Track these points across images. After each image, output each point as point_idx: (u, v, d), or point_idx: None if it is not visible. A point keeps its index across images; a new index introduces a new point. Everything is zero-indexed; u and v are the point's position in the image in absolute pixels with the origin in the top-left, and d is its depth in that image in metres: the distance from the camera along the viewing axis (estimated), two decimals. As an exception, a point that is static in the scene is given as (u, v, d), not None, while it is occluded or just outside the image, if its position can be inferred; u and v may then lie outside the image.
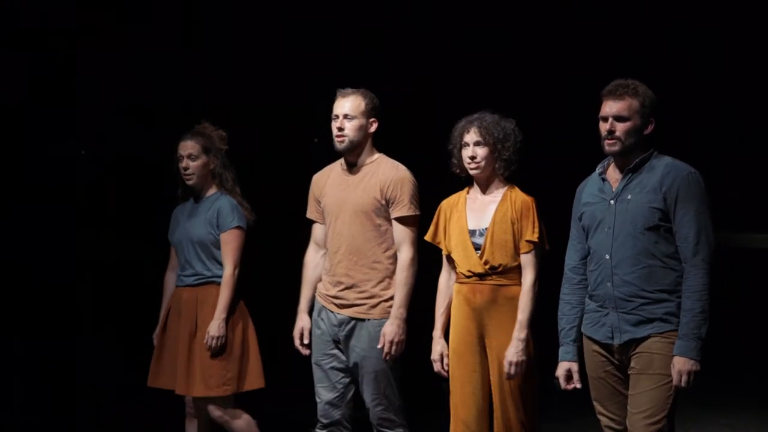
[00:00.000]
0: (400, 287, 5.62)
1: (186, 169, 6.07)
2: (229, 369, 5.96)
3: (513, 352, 5.36)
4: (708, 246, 4.87)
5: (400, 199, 5.64)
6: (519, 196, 5.47)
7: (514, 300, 5.42)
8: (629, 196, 4.95)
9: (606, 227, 4.98)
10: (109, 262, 9.11)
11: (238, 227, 6.02)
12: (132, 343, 7.41)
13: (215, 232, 6.02)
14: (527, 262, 5.42)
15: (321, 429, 5.82)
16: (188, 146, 6.08)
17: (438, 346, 5.57)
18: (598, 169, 5.11)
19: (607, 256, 4.96)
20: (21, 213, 8.51)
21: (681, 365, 4.82)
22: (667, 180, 4.90)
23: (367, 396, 5.71)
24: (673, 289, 4.90)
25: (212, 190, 6.13)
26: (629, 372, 4.98)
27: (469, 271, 5.47)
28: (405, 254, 5.64)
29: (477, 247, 5.46)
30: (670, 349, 4.86)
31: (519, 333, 5.37)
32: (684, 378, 4.82)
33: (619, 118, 4.93)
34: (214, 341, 5.92)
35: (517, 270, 5.44)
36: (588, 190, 5.12)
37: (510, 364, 5.36)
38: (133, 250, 8.86)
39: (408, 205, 5.64)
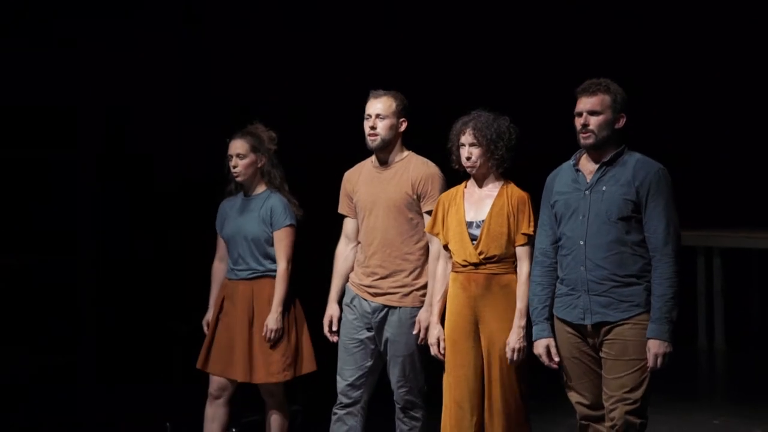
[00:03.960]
0: (432, 277, 5.96)
1: (235, 167, 6.36)
2: (288, 356, 6.31)
3: (515, 339, 5.67)
4: (676, 236, 5.29)
5: (431, 194, 5.98)
6: (515, 192, 5.80)
7: (507, 287, 5.75)
8: (604, 188, 5.32)
9: (580, 215, 5.35)
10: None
11: (291, 225, 6.33)
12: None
13: (269, 230, 6.32)
14: (523, 253, 5.74)
15: (341, 409, 6.15)
16: (237, 146, 6.38)
17: (435, 330, 5.88)
18: (572, 161, 5.47)
19: (582, 242, 5.33)
20: None
21: (656, 348, 5.22)
22: (640, 175, 5.29)
23: (393, 378, 6.06)
24: (641, 275, 5.30)
25: (261, 188, 6.41)
26: (603, 356, 5.34)
27: (464, 260, 5.78)
28: (436, 245, 5.96)
29: (473, 238, 5.78)
30: (642, 334, 5.26)
31: (519, 321, 5.68)
32: (659, 360, 5.22)
33: (592, 113, 5.33)
34: (272, 333, 6.26)
35: (510, 260, 5.77)
36: (561, 180, 5.47)
37: (513, 350, 5.66)
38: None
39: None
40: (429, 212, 5.99)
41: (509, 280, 5.76)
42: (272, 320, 6.27)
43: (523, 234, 5.75)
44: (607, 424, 5.35)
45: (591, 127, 5.33)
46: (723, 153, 11.27)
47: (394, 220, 6.02)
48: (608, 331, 5.32)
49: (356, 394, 6.12)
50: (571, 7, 10.46)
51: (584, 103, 5.36)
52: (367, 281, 6.08)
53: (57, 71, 9.01)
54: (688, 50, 11.02)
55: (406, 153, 6.11)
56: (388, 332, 6.05)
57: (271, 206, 6.35)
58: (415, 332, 5.98)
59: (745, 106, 11.27)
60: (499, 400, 5.73)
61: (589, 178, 5.39)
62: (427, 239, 6.01)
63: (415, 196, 6.01)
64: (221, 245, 6.54)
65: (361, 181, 6.15)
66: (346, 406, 6.15)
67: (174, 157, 9.21)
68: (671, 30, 10.92)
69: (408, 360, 6.03)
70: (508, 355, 5.68)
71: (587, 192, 5.36)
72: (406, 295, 6.03)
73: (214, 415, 6.53)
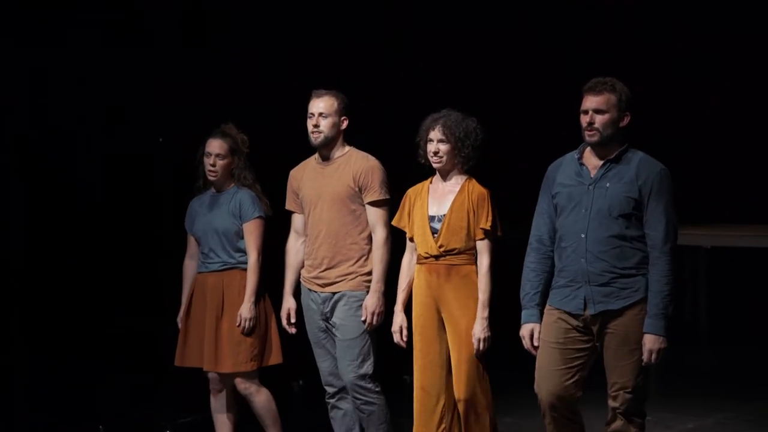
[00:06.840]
0: (377, 264, 6.25)
1: (213, 165, 6.54)
2: (256, 346, 6.49)
3: (479, 329, 5.95)
4: (675, 236, 5.49)
5: (372, 186, 6.26)
6: (476, 188, 6.06)
7: (466, 278, 6.02)
8: (607, 184, 5.48)
9: (583, 209, 5.50)
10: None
11: (259, 217, 6.53)
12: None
13: (238, 223, 6.51)
14: (482, 247, 6.02)
15: (331, 398, 6.44)
16: (216, 146, 6.56)
17: (398, 318, 6.16)
18: (576, 154, 5.61)
19: (583, 236, 5.48)
20: None
21: (651, 343, 5.42)
22: (643, 174, 5.46)
23: (342, 362, 6.29)
24: (639, 266, 5.47)
25: (230, 185, 6.61)
26: (605, 344, 5.52)
27: (426, 252, 6.06)
28: (379, 234, 6.26)
29: (434, 232, 6.04)
30: (641, 323, 5.44)
31: (482, 312, 5.96)
32: (654, 355, 5.43)
33: (598, 111, 5.47)
34: (246, 322, 6.44)
35: (470, 252, 6.03)
36: (564, 172, 5.62)
37: (478, 340, 5.94)
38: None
39: (379, 190, 6.26)
40: (370, 203, 6.28)
41: (468, 270, 6.01)
42: (246, 309, 6.44)
43: (482, 229, 6.00)
44: (611, 404, 5.55)
45: (596, 125, 5.47)
46: (662, 149, 11.37)
47: (338, 212, 6.29)
48: (610, 320, 5.49)
49: (339, 381, 6.37)
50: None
51: (590, 102, 5.50)
52: (315, 273, 6.36)
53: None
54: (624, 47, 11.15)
55: (347, 148, 6.39)
56: (337, 318, 6.31)
57: (240, 200, 6.55)
58: (362, 318, 6.24)
59: (682, 100, 11.45)
60: (463, 383, 5.96)
61: (593, 173, 5.53)
62: (370, 229, 6.28)
63: (356, 188, 6.28)
64: (191, 243, 6.73)
65: (305, 178, 6.42)
66: (336, 393, 6.42)
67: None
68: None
69: (355, 343, 6.26)
70: (474, 345, 5.93)
71: (591, 187, 5.51)
72: (351, 280, 6.29)
73: (216, 407, 6.69)
